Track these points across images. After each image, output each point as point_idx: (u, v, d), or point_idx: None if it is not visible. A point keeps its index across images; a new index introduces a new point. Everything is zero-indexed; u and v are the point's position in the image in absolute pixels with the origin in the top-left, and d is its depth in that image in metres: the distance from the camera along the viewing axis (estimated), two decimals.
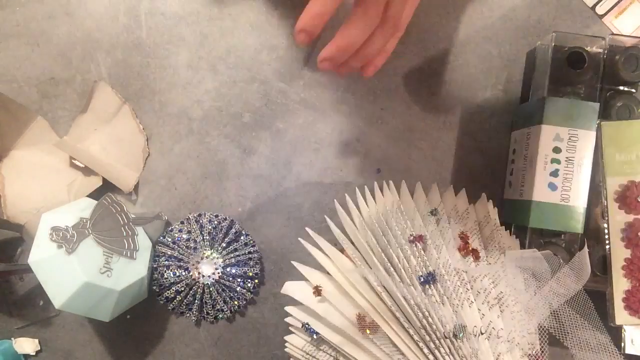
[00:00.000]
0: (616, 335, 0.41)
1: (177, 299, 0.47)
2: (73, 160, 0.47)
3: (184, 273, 0.47)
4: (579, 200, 0.42)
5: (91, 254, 0.40)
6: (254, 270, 0.47)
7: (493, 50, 0.49)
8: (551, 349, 0.38)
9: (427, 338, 0.36)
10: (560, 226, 0.42)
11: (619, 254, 0.41)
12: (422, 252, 0.38)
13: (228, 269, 0.47)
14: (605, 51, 0.43)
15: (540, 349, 0.37)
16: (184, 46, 0.48)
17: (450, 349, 0.36)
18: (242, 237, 0.48)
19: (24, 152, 0.47)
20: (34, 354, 0.48)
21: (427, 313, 0.36)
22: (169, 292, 0.47)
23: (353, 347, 0.39)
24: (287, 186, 0.49)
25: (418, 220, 0.41)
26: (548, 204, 0.42)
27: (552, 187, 0.42)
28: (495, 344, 0.36)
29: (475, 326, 0.36)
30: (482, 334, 0.36)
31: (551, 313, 0.37)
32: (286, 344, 0.44)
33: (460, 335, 0.36)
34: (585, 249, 0.38)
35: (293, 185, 0.49)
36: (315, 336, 0.40)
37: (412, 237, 0.39)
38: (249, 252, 0.47)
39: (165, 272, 0.46)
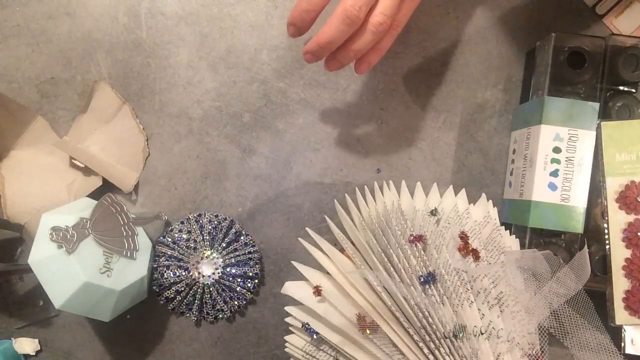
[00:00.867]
0: (616, 335, 0.41)
1: (177, 299, 0.47)
2: (73, 160, 0.47)
3: (184, 273, 0.47)
4: (579, 200, 0.42)
5: (91, 254, 0.40)
6: (254, 270, 0.47)
7: (493, 50, 0.49)
8: (551, 349, 0.38)
9: (427, 338, 0.36)
10: (560, 226, 0.42)
11: (619, 254, 0.41)
12: (422, 252, 0.38)
13: (228, 269, 0.47)
14: (605, 51, 0.43)
15: (540, 349, 0.37)
16: (184, 46, 0.48)
17: (450, 349, 0.36)
18: (242, 237, 0.48)
19: (24, 152, 0.47)
20: (34, 354, 0.48)
21: (427, 313, 0.36)
22: (169, 292, 0.47)
23: (353, 347, 0.39)
24: (287, 186, 0.49)
25: (418, 220, 0.41)
26: (548, 204, 0.42)
27: (552, 187, 0.42)
28: (495, 344, 0.36)
29: (475, 326, 0.36)
30: (482, 334, 0.36)
31: (551, 313, 0.37)
32: (286, 344, 0.44)
33: (460, 335, 0.36)
34: (585, 249, 0.38)
35: (293, 185, 0.49)
36: (315, 336, 0.40)
37: (412, 237, 0.39)
38: (249, 252, 0.47)
39: (165, 272, 0.46)
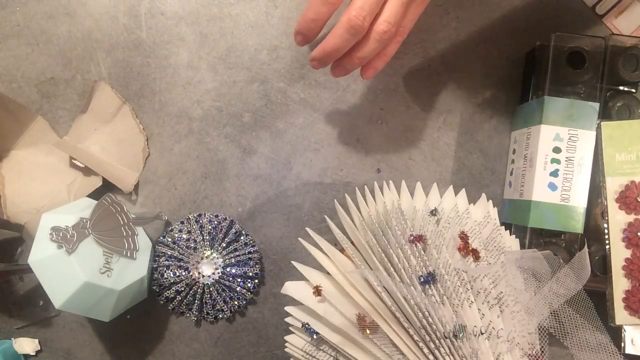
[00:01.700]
0: (616, 335, 0.41)
1: (177, 299, 0.47)
2: (73, 160, 0.47)
3: (184, 273, 0.47)
4: (579, 200, 0.42)
5: (91, 254, 0.40)
6: (254, 270, 0.47)
7: (493, 50, 0.49)
8: (551, 349, 0.38)
9: (427, 338, 0.36)
10: (560, 226, 0.42)
11: (619, 254, 0.41)
12: (422, 252, 0.38)
13: (228, 269, 0.47)
14: (605, 51, 0.43)
15: (540, 349, 0.37)
16: (184, 46, 0.48)
17: (450, 349, 0.36)
18: (242, 237, 0.48)
19: (24, 152, 0.47)
20: (34, 354, 0.48)
21: (427, 313, 0.36)
22: (169, 292, 0.47)
23: (353, 347, 0.39)
24: (287, 186, 0.49)
25: (418, 220, 0.41)
26: (548, 204, 0.42)
27: (552, 187, 0.42)
28: (495, 344, 0.36)
29: (475, 326, 0.36)
30: (482, 334, 0.36)
31: (551, 313, 0.37)
32: (286, 344, 0.44)
33: (460, 335, 0.36)
34: (585, 249, 0.38)
35: (293, 185, 0.49)
36: (315, 336, 0.40)
37: (412, 237, 0.39)
38: (249, 252, 0.47)
39: (165, 272, 0.46)
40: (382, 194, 0.45)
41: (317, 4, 0.37)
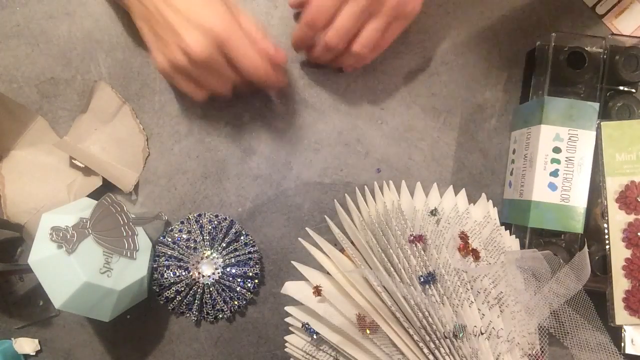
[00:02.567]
0: (616, 335, 0.41)
1: (177, 299, 0.47)
2: (73, 160, 0.47)
3: (184, 273, 0.47)
4: (579, 200, 0.42)
5: (91, 254, 0.40)
6: (254, 270, 0.47)
7: (493, 50, 0.49)
8: (551, 349, 0.38)
9: (427, 338, 0.36)
10: (560, 226, 0.42)
11: (619, 254, 0.41)
12: (422, 252, 0.38)
13: (228, 269, 0.47)
14: (605, 51, 0.43)
15: (540, 349, 0.37)
16: None
17: (450, 349, 0.36)
18: (242, 237, 0.48)
19: (24, 152, 0.47)
20: (34, 354, 0.48)
21: (427, 313, 0.36)
22: (169, 292, 0.47)
23: (353, 347, 0.39)
24: (287, 186, 0.49)
25: (418, 220, 0.41)
26: (548, 204, 0.42)
27: (552, 187, 0.42)
28: (495, 344, 0.36)
29: (475, 326, 0.36)
30: (482, 334, 0.36)
31: (551, 313, 0.37)
32: (286, 344, 0.44)
33: (460, 335, 0.36)
34: (585, 249, 0.38)
35: (293, 185, 0.49)
36: (315, 336, 0.40)
37: (412, 237, 0.39)
38: (249, 252, 0.47)
39: (165, 272, 0.46)
40: (382, 194, 0.45)
41: (303, 27, 0.42)
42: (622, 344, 0.42)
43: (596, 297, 0.38)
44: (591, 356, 0.37)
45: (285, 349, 0.44)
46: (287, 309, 0.43)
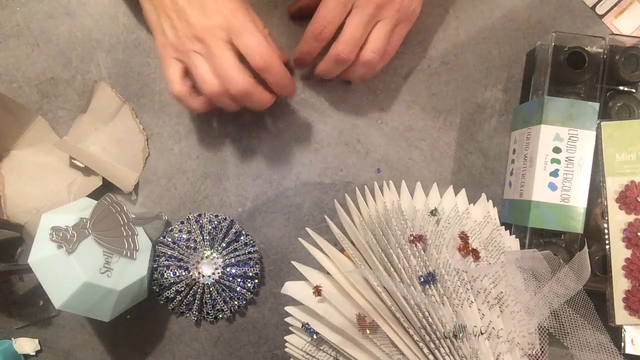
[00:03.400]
0: (616, 335, 0.41)
1: (177, 299, 0.47)
2: (73, 160, 0.47)
3: (184, 273, 0.47)
4: (579, 200, 0.42)
5: (91, 254, 0.40)
6: (254, 270, 0.47)
7: (493, 50, 0.49)
8: (551, 349, 0.38)
9: (427, 338, 0.36)
10: (560, 226, 0.42)
11: (619, 254, 0.41)
12: (422, 252, 0.38)
13: (228, 269, 0.47)
14: (605, 51, 0.43)
15: (540, 349, 0.37)
16: None
17: (450, 349, 0.36)
18: (242, 237, 0.48)
19: (24, 152, 0.47)
20: (34, 354, 0.48)
21: (427, 313, 0.36)
22: (169, 292, 0.47)
23: (353, 347, 0.39)
24: (287, 186, 0.49)
25: (418, 220, 0.41)
26: (548, 204, 0.42)
27: (552, 187, 0.42)
28: (495, 344, 0.36)
29: (475, 326, 0.36)
30: (482, 334, 0.36)
31: (551, 313, 0.37)
32: (286, 344, 0.44)
33: (460, 335, 0.36)
34: (585, 249, 0.38)
35: (293, 185, 0.49)
36: (315, 336, 0.40)
37: (412, 237, 0.39)
38: (249, 252, 0.47)
39: (165, 272, 0.46)
40: (382, 194, 0.45)
41: (310, 40, 0.42)
42: (622, 344, 0.42)
43: (596, 297, 0.38)
44: (591, 356, 0.37)
45: (285, 349, 0.44)
46: (287, 309, 0.43)
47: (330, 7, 0.40)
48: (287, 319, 0.43)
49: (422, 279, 0.37)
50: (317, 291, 0.40)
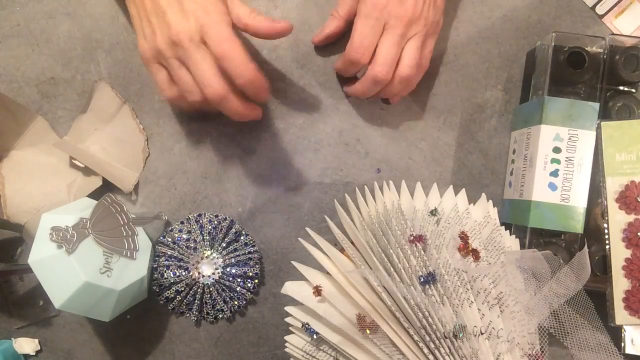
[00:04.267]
0: (616, 335, 0.41)
1: (177, 299, 0.47)
2: (73, 160, 0.47)
3: (184, 273, 0.47)
4: (579, 200, 0.42)
5: (91, 254, 0.40)
6: (254, 270, 0.47)
7: (493, 50, 0.49)
8: (551, 349, 0.38)
9: (427, 338, 0.36)
10: (560, 226, 0.42)
11: (619, 254, 0.41)
12: (422, 252, 0.38)
13: (228, 269, 0.47)
14: (605, 51, 0.43)
15: (540, 349, 0.37)
16: None
17: (450, 349, 0.36)
18: (242, 237, 0.48)
19: (24, 152, 0.47)
20: (34, 354, 0.48)
21: (427, 313, 0.36)
22: (169, 292, 0.47)
23: (353, 347, 0.39)
24: (287, 186, 0.49)
25: (418, 220, 0.41)
26: (548, 204, 0.42)
27: (552, 187, 0.42)
28: (495, 344, 0.36)
29: (475, 326, 0.36)
30: (482, 334, 0.36)
31: (551, 313, 0.37)
32: (286, 344, 0.44)
33: (460, 335, 0.36)
34: (585, 249, 0.38)
35: (293, 185, 0.49)
36: (315, 336, 0.40)
37: (412, 237, 0.39)
38: (249, 252, 0.47)
39: (165, 272, 0.46)
40: (382, 194, 0.45)
41: (348, 66, 0.44)
42: (622, 344, 0.42)
43: (596, 297, 0.38)
44: (591, 356, 0.37)
45: (285, 349, 0.44)
46: (287, 309, 0.43)
47: (365, 33, 0.41)
48: (287, 319, 0.43)
49: (422, 279, 0.37)
50: (317, 291, 0.40)
